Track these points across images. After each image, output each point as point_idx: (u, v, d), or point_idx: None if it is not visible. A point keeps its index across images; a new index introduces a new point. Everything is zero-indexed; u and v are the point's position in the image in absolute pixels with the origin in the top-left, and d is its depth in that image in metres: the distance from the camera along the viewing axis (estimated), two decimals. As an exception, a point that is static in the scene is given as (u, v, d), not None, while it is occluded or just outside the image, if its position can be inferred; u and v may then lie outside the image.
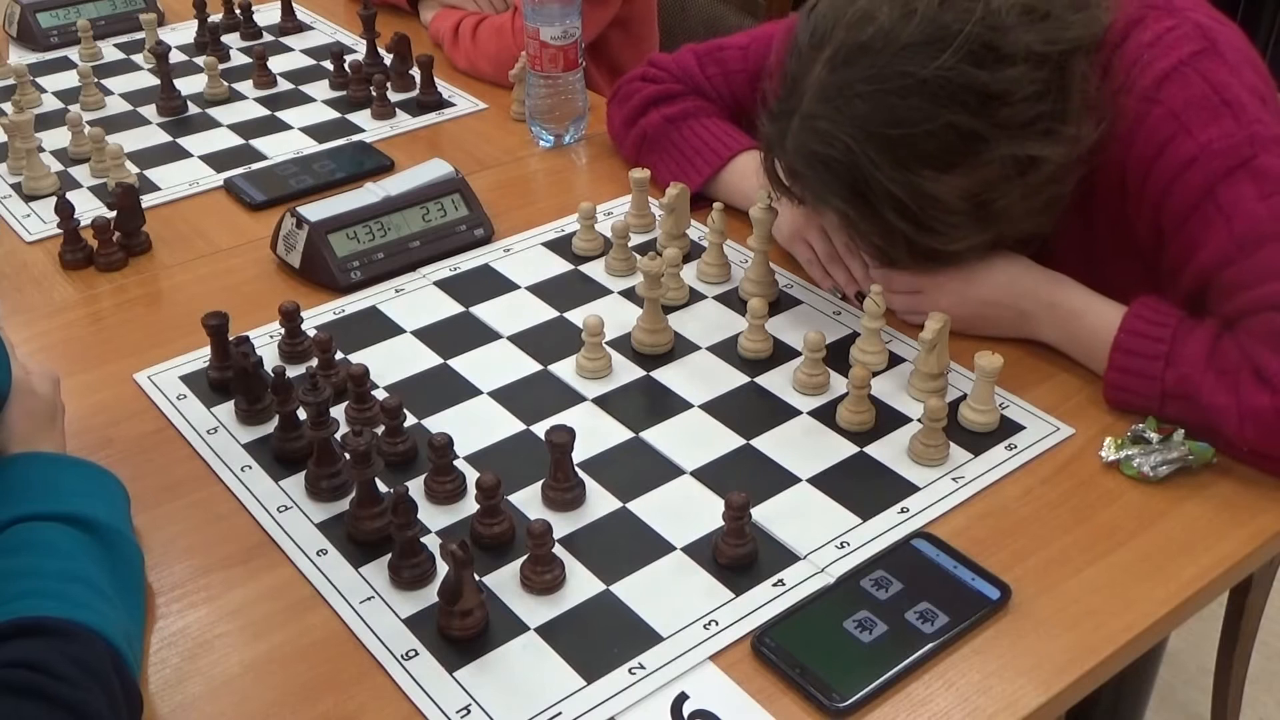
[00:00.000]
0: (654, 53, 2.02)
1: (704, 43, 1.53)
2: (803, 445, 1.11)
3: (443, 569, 0.96)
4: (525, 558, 0.97)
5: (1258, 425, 1.02)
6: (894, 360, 1.21)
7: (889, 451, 1.11)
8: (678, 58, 1.52)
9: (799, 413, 1.15)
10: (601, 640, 0.93)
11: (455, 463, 1.07)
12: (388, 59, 1.80)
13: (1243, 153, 1.08)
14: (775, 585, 0.97)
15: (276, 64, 1.86)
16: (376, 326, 1.29)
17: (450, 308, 1.31)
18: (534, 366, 1.22)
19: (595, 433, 1.13)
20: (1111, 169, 1.16)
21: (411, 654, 0.92)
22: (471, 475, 1.06)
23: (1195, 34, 1.13)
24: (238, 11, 1.98)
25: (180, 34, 1.97)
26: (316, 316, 1.30)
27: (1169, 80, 1.11)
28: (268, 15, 2.03)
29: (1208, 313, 1.11)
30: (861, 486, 1.07)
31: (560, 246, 1.41)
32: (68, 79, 1.83)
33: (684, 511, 1.04)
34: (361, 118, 1.72)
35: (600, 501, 1.06)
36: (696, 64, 1.50)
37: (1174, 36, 1.13)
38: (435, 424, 1.15)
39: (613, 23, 1.92)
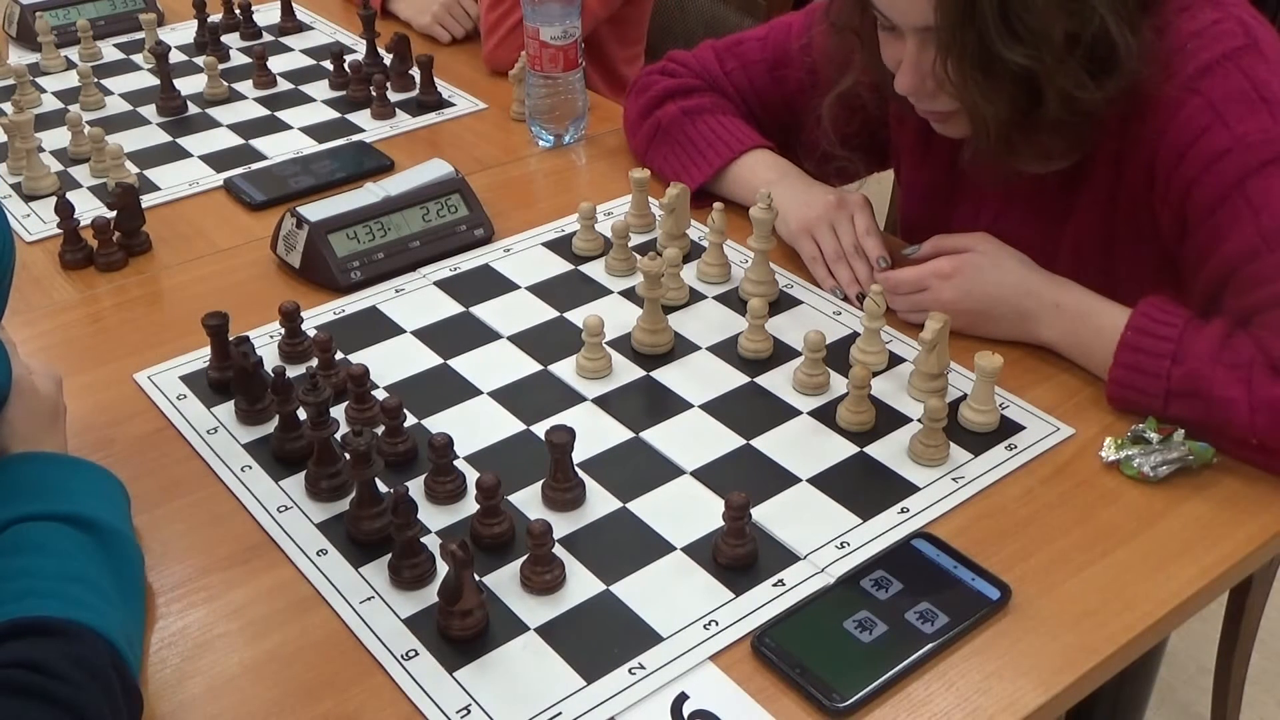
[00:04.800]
0: (642, 46, 2.05)
1: (722, 39, 1.53)
2: (803, 445, 1.11)
3: (443, 569, 0.96)
4: (525, 558, 0.97)
5: (1270, 416, 1.03)
6: (894, 360, 1.21)
7: (889, 451, 1.10)
8: (697, 54, 1.53)
9: (799, 413, 1.15)
10: (601, 640, 0.93)
11: (455, 463, 1.07)
12: (387, 59, 1.80)
13: (1277, 149, 1.09)
14: (775, 585, 0.97)
15: (276, 64, 1.86)
16: (376, 326, 1.29)
17: (450, 308, 1.31)
18: (534, 366, 1.22)
19: (595, 433, 1.13)
20: (1142, 153, 1.17)
21: (411, 654, 0.92)
22: (471, 475, 1.06)
23: (1239, 30, 1.14)
24: (237, 11, 1.98)
25: (180, 34, 1.97)
26: (316, 316, 1.30)
27: (1210, 72, 1.12)
28: (268, 15, 2.03)
29: (1223, 307, 1.11)
30: (861, 486, 1.07)
31: (560, 246, 1.41)
32: (68, 79, 1.84)
33: (684, 511, 1.04)
34: (361, 118, 1.72)
35: (600, 501, 1.06)
36: (715, 60, 1.51)
37: (1219, 30, 1.14)
38: (435, 424, 1.15)
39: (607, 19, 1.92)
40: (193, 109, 1.75)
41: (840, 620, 0.93)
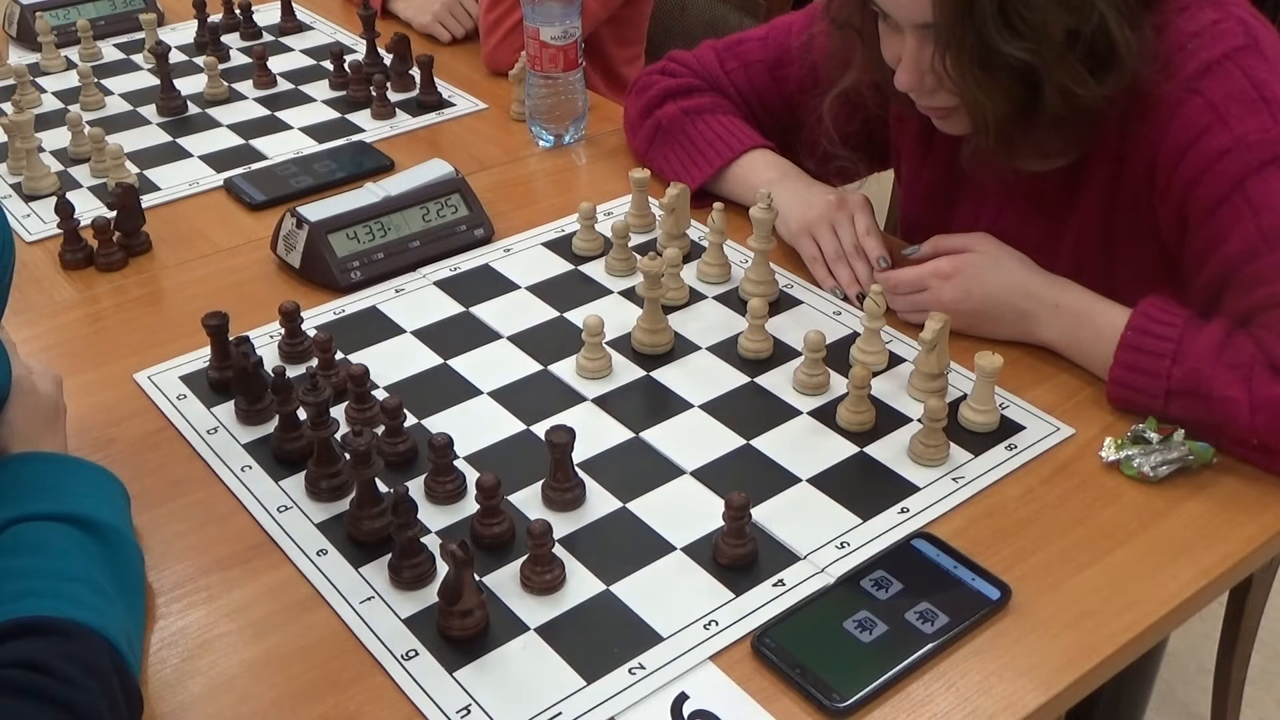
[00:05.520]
0: (641, 47, 2.05)
1: (723, 39, 1.53)
2: (803, 445, 1.11)
3: (443, 569, 0.96)
4: (525, 558, 0.97)
5: (1270, 415, 1.03)
6: (894, 360, 1.21)
7: (889, 451, 1.10)
8: (698, 54, 1.53)
9: (799, 413, 1.15)
10: (601, 640, 0.93)
11: (455, 463, 1.07)
12: (387, 59, 1.80)
13: (1277, 149, 1.09)
14: (775, 585, 0.97)
15: (276, 64, 1.86)
16: (376, 326, 1.29)
17: (450, 308, 1.31)
18: (534, 366, 1.22)
19: (595, 433, 1.13)
20: (1142, 153, 1.17)
21: (411, 654, 0.92)
22: (471, 475, 1.06)
23: (1239, 29, 1.14)
24: (238, 11, 1.98)
25: (180, 34, 1.97)
26: (316, 316, 1.30)
27: (1210, 72, 1.12)
28: (268, 15, 2.03)
29: (1224, 307, 1.11)
30: (861, 486, 1.07)
31: (560, 246, 1.41)
32: (68, 79, 1.84)
33: (684, 511, 1.04)
34: (361, 118, 1.72)
35: (600, 501, 1.06)
36: (716, 60, 1.51)
37: (1219, 30, 1.14)
38: (435, 424, 1.15)
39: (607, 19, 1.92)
40: (193, 109, 1.75)
41: (840, 620, 0.93)
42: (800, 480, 1.07)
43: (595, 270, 1.37)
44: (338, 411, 1.14)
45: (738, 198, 1.43)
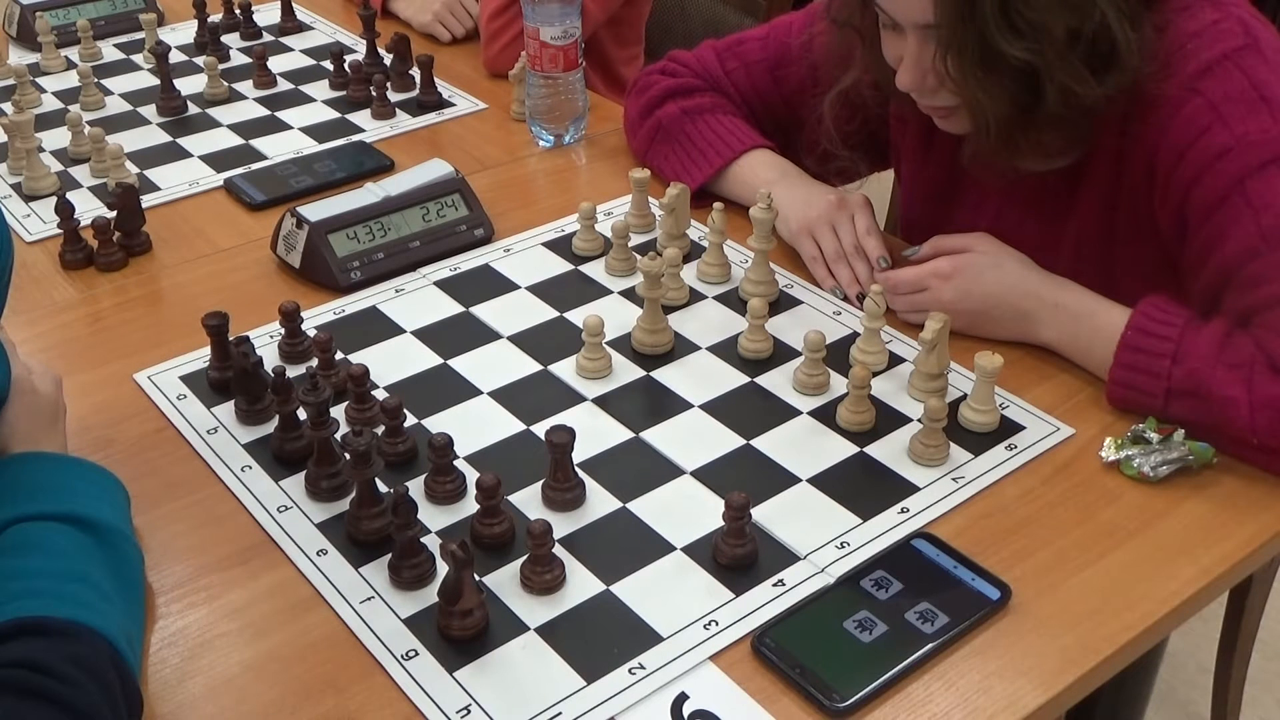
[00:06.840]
0: (640, 47, 2.05)
1: (723, 38, 1.53)
2: (803, 445, 1.11)
3: (443, 569, 0.96)
4: (525, 558, 0.97)
5: (1270, 415, 1.03)
6: (894, 360, 1.21)
7: (889, 451, 1.10)
8: (698, 54, 1.53)
9: (799, 413, 1.15)
10: (601, 640, 0.93)
11: (455, 463, 1.07)
12: (387, 59, 1.80)
13: (1277, 149, 1.09)
14: (775, 585, 0.97)
15: (276, 64, 1.86)
16: (376, 326, 1.29)
17: (450, 308, 1.31)
18: (534, 366, 1.22)
19: (595, 433, 1.13)
20: (1142, 152, 1.17)
21: (411, 654, 0.92)
22: (471, 475, 1.06)
23: (1239, 29, 1.14)
24: (238, 11, 1.98)
25: (180, 34, 1.97)
26: (316, 316, 1.30)
27: (1210, 72, 1.12)
28: (268, 15, 2.03)
29: (1224, 307, 1.11)
30: (861, 486, 1.07)
31: (560, 246, 1.41)
32: (68, 79, 1.84)
33: (684, 511, 1.04)
34: (361, 118, 1.72)
35: (600, 501, 1.06)
36: (716, 59, 1.51)
37: (1219, 30, 1.14)
38: (435, 424, 1.15)
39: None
40: (193, 109, 1.75)
41: (840, 620, 0.93)
42: (800, 480, 1.07)
43: (595, 270, 1.37)
44: (338, 411, 1.14)
45: (738, 198, 1.43)
